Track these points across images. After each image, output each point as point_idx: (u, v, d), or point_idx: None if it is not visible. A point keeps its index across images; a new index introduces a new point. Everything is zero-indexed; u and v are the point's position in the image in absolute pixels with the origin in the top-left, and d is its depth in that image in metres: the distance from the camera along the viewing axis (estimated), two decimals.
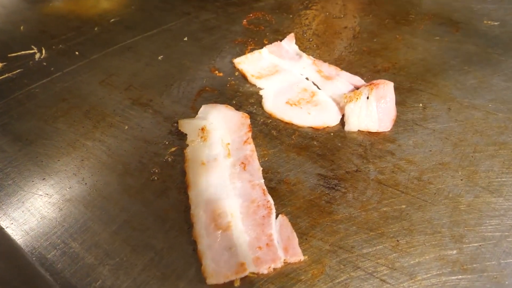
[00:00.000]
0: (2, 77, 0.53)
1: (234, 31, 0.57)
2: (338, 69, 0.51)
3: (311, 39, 0.55)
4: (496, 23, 0.56)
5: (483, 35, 0.55)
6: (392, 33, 0.55)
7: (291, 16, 0.58)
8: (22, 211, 0.40)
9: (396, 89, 0.48)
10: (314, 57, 0.53)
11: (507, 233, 0.37)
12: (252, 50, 0.54)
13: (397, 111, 0.47)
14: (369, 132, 0.45)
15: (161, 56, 0.54)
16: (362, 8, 0.59)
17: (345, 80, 0.49)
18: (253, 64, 0.52)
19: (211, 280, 0.34)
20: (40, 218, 0.40)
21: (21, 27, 0.59)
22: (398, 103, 0.47)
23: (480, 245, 0.36)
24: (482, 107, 0.47)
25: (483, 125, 0.45)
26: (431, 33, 0.55)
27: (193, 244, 0.37)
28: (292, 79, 0.50)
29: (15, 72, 0.54)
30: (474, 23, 0.56)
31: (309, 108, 0.47)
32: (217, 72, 0.53)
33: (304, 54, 0.52)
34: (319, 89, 0.49)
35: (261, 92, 0.49)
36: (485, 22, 0.56)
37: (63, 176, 0.43)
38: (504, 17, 0.56)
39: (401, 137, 0.45)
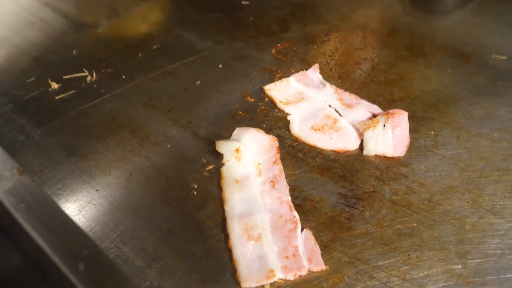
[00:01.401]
0: (58, 97, 0.59)
1: (264, 60, 0.61)
2: (358, 97, 0.55)
3: (333, 69, 0.59)
4: (504, 57, 0.60)
5: (491, 68, 0.58)
6: (408, 65, 0.59)
7: (315, 46, 0.62)
8: (79, 218, 0.44)
9: (410, 117, 0.52)
10: (336, 86, 0.57)
11: (507, 251, 0.40)
12: (280, 78, 0.59)
13: (411, 138, 0.51)
14: (385, 157, 0.49)
15: (198, 82, 0.59)
16: (381, 41, 0.63)
17: (364, 108, 0.53)
18: (281, 91, 0.57)
19: (245, 284, 0.39)
20: (94, 225, 0.45)
21: (74, 51, 0.64)
22: (412, 131, 0.51)
23: (482, 261, 0.40)
24: (488, 136, 0.51)
25: (489, 152, 0.49)
26: (443, 65, 0.59)
27: (229, 252, 0.42)
28: (316, 106, 0.55)
29: (69, 93, 0.59)
30: (483, 57, 0.60)
31: (331, 133, 0.51)
32: (248, 97, 0.57)
33: (327, 83, 0.57)
34: (341, 116, 0.53)
35: (288, 117, 0.54)
36: (494, 56, 0.60)
37: (114, 188, 0.48)
38: (510, 51, 0.60)
39: (414, 161, 0.49)
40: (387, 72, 0.59)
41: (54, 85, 0.60)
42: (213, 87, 0.59)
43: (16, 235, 0.37)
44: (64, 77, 0.61)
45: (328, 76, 0.59)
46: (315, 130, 0.51)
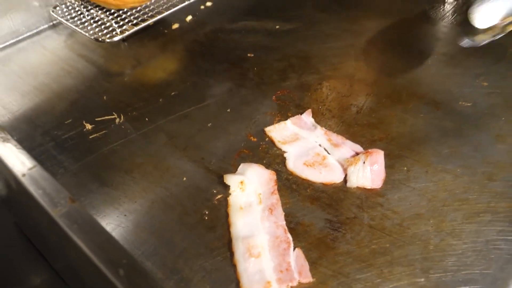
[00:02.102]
0: (92, 136, 0.67)
1: (265, 105, 0.70)
2: (344, 138, 0.63)
3: (324, 113, 0.68)
4: (469, 104, 0.67)
5: (458, 113, 0.66)
6: (388, 110, 0.67)
7: (309, 94, 0.70)
8: None
9: (387, 155, 0.60)
10: (326, 128, 0.65)
11: (462, 268, 0.47)
12: (279, 121, 0.67)
13: (387, 173, 0.58)
14: (365, 188, 0.57)
15: (210, 124, 0.67)
16: (365, 89, 0.71)
17: (349, 148, 0.61)
18: (279, 132, 0.65)
19: None
20: (123, 244, 0.52)
21: (104, 97, 0.73)
22: (388, 166, 0.59)
23: (441, 276, 0.47)
24: (452, 171, 0.58)
25: (452, 185, 0.56)
26: (417, 111, 0.67)
27: (234, 267, 0.49)
28: (308, 145, 0.63)
29: (101, 133, 0.68)
30: (452, 104, 0.68)
31: (320, 169, 0.59)
32: (252, 137, 0.65)
33: (318, 126, 0.65)
34: (329, 154, 0.61)
35: (285, 155, 0.62)
36: (460, 103, 0.67)
37: (139, 214, 0.56)
38: (476, 99, 0.68)
39: (389, 192, 0.56)
40: (369, 116, 0.67)
41: (88, 126, 0.69)
42: (222, 128, 0.67)
43: (64, 250, 0.45)
44: (96, 119, 0.70)
45: (319, 119, 0.67)
46: (307, 166, 0.59)
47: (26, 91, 0.76)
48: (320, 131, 0.63)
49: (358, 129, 0.65)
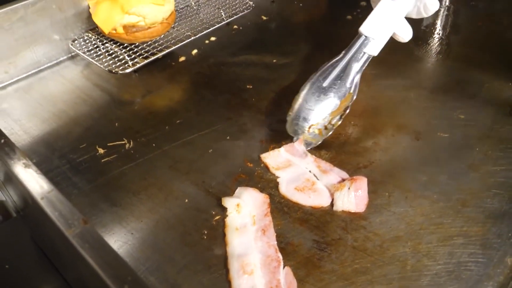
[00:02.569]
0: (104, 160, 0.70)
1: (262, 133, 0.72)
2: (332, 165, 0.65)
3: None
4: (446, 135, 0.70)
5: (436, 143, 0.69)
6: (372, 140, 0.69)
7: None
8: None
9: (370, 181, 0.62)
10: (316, 156, 0.68)
11: (436, 286, 0.49)
12: (273, 148, 0.70)
13: (370, 198, 0.60)
14: (350, 212, 0.59)
15: (211, 150, 0.70)
16: (353, 120, 0.74)
17: (336, 174, 0.64)
18: (273, 159, 0.67)
19: None
20: (129, 260, 0.54)
21: (116, 124, 0.76)
22: (371, 192, 0.61)
23: None
24: (429, 197, 0.60)
25: (429, 210, 0.59)
26: (399, 140, 0.69)
27: (228, 283, 0.51)
28: (299, 171, 0.65)
29: (112, 157, 0.70)
30: (431, 135, 0.70)
31: (310, 193, 0.61)
32: (249, 163, 0.68)
33: (309, 154, 0.67)
34: (318, 179, 0.64)
35: (278, 180, 0.64)
36: (438, 134, 0.70)
37: (145, 232, 0.58)
38: (452, 131, 0.70)
39: (371, 216, 0.58)
40: (355, 145, 0.69)
41: (101, 151, 0.71)
42: (222, 154, 0.69)
43: (75, 264, 0.47)
44: (108, 144, 0.72)
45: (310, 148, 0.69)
46: (298, 190, 0.61)
47: (45, 117, 0.79)
48: (310, 158, 0.66)
49: (345, 157, 0.67)
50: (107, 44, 0.93)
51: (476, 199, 0.59)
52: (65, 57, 0.96)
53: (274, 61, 0.92)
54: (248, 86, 0.84)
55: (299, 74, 0.87)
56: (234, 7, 1.06)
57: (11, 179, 0.52)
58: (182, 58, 0.94)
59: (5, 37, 0.86)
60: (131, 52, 0.91)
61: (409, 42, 0.75)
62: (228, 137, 0.72)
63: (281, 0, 1.11)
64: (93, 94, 0.85)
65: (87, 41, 0.95)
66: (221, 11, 1.03)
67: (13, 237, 0.65)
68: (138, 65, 0.87)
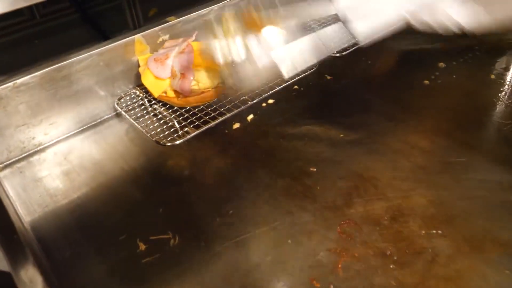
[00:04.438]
0: (145, 260, 0.61)
1: (329, 238, 0.61)
2: None
3: (395, 258, 0.59)
4: None
5: None
6: (467, 261, 0.57)
7: (378, 228, 0.62)
8: None
9: None
10: (395, 281, 0.56)
11: None
12: (344, 261, 0.59)
13: None
14: None
15: (269, 257, 0.60)
16: (440, 227, 0.62)
17: None
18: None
19: None
20: None
21: (160, 209, 0.67)
22: None
23: None
24: None
25: None
26: (502, 264, 0.57)
27: None
28: None
29: (155, 256, 0.61)
30: None
31: None
32: (315, 282, 0.57)
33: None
34: None
35: None
36: None
37: None
38: None
39: None
40: (446, 267, 0.58)
41: (142, 246, 0.63)
42: (282, 265, 0.59)
43: None
44: (150, 237, 0.64)
45: (389, 265, 0.58)
46: None
47: (82, 193, 0.73)
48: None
49: (434, 283, 0.55)
50: (155, 106, 0.85)
51: None
52: (109, 115, 0.90)
53: (341, 135, 0.82)
54: (311, 169, 0.74)
55: (370, 155, 0.76)
56: None
57: None
58: (237, 125, 0.85)
59: (47, 97, 0.80)
60: (181, 118, 0.83)
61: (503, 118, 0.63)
62: (289, 241, 0.62)
63: (346, 56, 1.00)
64: (136, 165, 0.77)
65: (134, 99, 0.88)
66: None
67: None
68: (188, 137, 0.78)
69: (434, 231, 0.62)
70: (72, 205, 0.70)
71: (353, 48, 1.00)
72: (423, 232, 0.62)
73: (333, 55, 1.00)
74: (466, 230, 0.63)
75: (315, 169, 0.74)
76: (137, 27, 1.03)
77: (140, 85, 0.91)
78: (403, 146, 0.78)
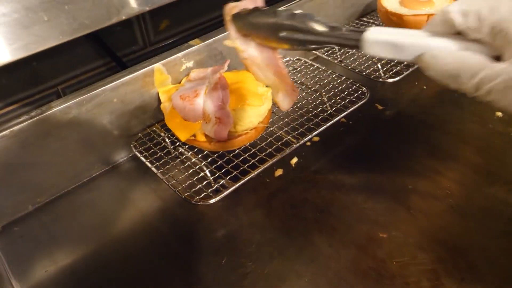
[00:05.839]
0: None
1: None
2: None
3: None
4: None
5: None
6: None
7: None
8: None
9: None
10: None
11: None
12: None
13: None
14: None
15: None
16: None
17: None
18: None
19: None
20: None
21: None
22: None
23: None
24: None
25: None
26: None
27: None
28: None
29: None
30: None
31: None
32: None
33: None
34: None
35: None
36: None
37: None
38: None
39: None
40: None
41: None
42: None
43: None
44: None
45: None
46: None
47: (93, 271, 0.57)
48: None
49: None
50: (180, 150, 0.71)
51: None
52: (125, 159, 0.75)
53: (409, 187, 0.67)
54: (381, 235, 0.59)
55: (459, 215, 0.61)
56: (342, 96, 0.82)
57: None
58: (279, 172, 0.71)
59: (53, 144, 0.65)
60: (213, 166, 0.68)
61: None
62: None
63: (398, 81, 0.86)
64: (161, 226, 0.63)
65: (154, 140, 0.73)
66: (325, 99, 0.79)
67: None
68: (225, 192, 0.64)
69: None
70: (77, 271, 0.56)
71: (407, 73, 0.86)
72: None
73: (383, 80, 0.85)
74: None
75: (385, 235, 0.60)
76: (147, 43, 0.89)
77: (160, 121, 0.77)
78: (497, 205, 0.63)
